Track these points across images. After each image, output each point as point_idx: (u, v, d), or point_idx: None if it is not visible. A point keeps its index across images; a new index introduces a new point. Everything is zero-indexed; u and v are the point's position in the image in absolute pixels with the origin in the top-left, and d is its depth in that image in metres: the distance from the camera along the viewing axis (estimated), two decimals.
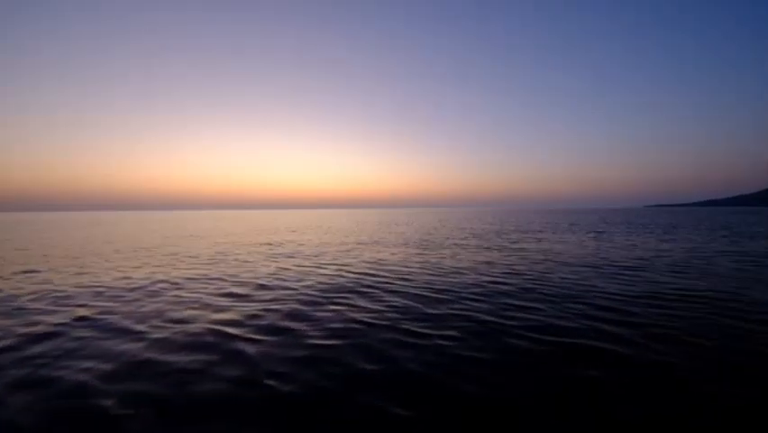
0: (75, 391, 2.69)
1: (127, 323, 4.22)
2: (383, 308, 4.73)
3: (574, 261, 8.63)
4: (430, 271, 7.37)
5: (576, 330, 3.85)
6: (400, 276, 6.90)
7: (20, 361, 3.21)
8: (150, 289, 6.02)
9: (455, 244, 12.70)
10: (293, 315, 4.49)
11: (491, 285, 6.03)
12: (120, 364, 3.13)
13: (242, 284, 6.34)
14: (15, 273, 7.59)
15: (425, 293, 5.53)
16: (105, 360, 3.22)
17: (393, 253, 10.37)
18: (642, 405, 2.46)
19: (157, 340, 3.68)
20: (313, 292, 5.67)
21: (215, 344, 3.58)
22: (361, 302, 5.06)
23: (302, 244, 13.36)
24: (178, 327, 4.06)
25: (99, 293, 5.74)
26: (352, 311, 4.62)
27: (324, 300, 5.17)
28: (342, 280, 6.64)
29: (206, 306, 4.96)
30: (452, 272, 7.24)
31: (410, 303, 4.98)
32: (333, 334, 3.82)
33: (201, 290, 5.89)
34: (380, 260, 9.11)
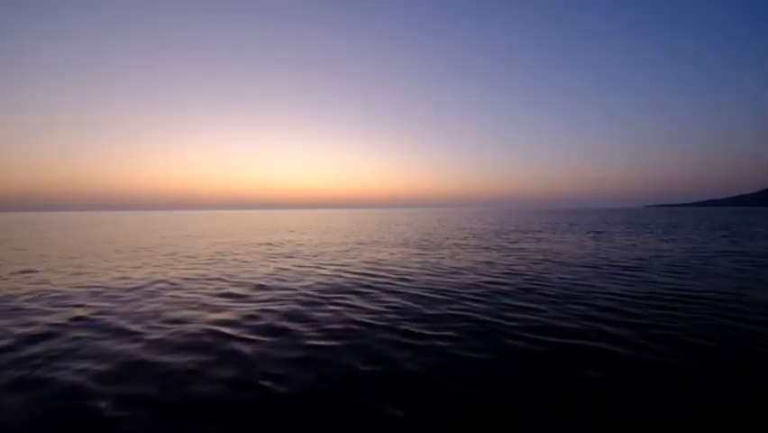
0: (70, 392, 2.67)
1: (124, 323, 4.20)
2: (382, 309, 4.70)
3: (574, 261, 8.61)
4: (429, 272, 7.35)
5: (575, 331, 3.82)
6: (399, 276, 6.88)
7: (15, 362, 3.18)
8: (148, 289, 6.00)
9: (455, 244, 12.68)
10: (291, 315, 4.47)
11: (490, 285, 6.01)
12: (116, 365, 3.11)
13: (240, 284, 6.32)
14: (13, 273, 7.57)
15: (424, 293, 5.51)
16: (101, 361, 3.19)
17: (392, 254, 10.35)
18: (641, 406, 2.44)
19: (154, 341, 3.66)
20: (311, 292, 5.64)
21: (212, 344, 3.55)
22: (360, 302, 5.03)
23: (301, 244, 13.33)
24: (176, 328, 4.03)
25: (97, 293, 5.71)
26: (351, 312, 4.60)
27: (323, 301, 5.15)
28: (340, 280, 6.62)
29: (204, 306, 4.94)
30: (452, 273, 7.22)
31: (409, 303, 4.96)
32: (331, 334, 3.80)
33: (199, 291, 5.87)
34: (380, 260, 9.09)
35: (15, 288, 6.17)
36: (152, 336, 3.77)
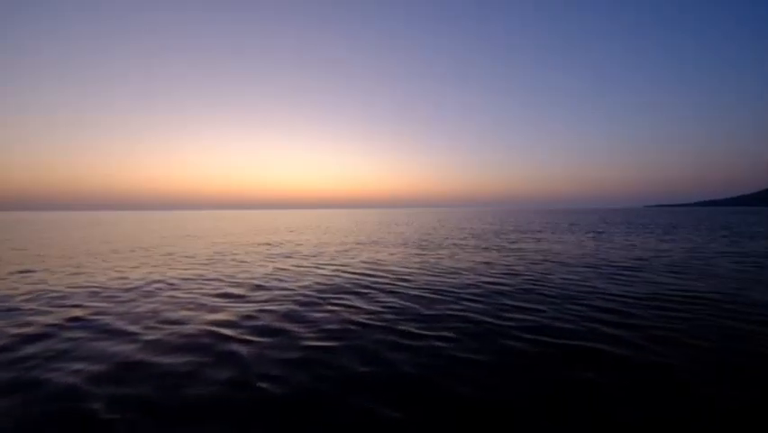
0: (64, 393, 2.65)
1: (121, 324, 4.18)
2: (380, 309, 4.68)
3: (573, 261, 8.59)
4: (428, 272, 7.33)
5: (574, 331, 3.81)
6: (398, 276, 6.86)
7: (10, 363, 3.16)
8: (145, 289, 5.98)
9: (454, 245, 12.66)
10: (289, 316, 4.45)
11: (489, 286, 5.99)
12: (112, 366, 3.09)
13: (238, 285, 6.30)
14: (11, 273, 7.55)
15: (422, 294, 5.49)
16: (96, 362, 3.17)
17: (392, 254, 10.33)
18: (640, 407, 2.42)
19: (150, 341, 3.64)
20: (310, 293, 5.63)
21: (209, 345, 3.53)
22: (358, 303, 5.01)
23: (300, 244, 13.32)
24: (172, 328, 4.02)
25: (94, 293, 5.69)
26: (349, 312, 4.58)
27: (321, 301, 5.13)
28: (339, 280, 6.60)
29: (201, 306, 4.92)
30: (451, 273, 7.20)
31: (408, 304, 4.94)
32: (329, 335, 3.78)
33: (197, 291, 5.85)
34: (379, 260, 9.07)
35: (13, 288, 6.15)
36: (149, 337, 3.75)
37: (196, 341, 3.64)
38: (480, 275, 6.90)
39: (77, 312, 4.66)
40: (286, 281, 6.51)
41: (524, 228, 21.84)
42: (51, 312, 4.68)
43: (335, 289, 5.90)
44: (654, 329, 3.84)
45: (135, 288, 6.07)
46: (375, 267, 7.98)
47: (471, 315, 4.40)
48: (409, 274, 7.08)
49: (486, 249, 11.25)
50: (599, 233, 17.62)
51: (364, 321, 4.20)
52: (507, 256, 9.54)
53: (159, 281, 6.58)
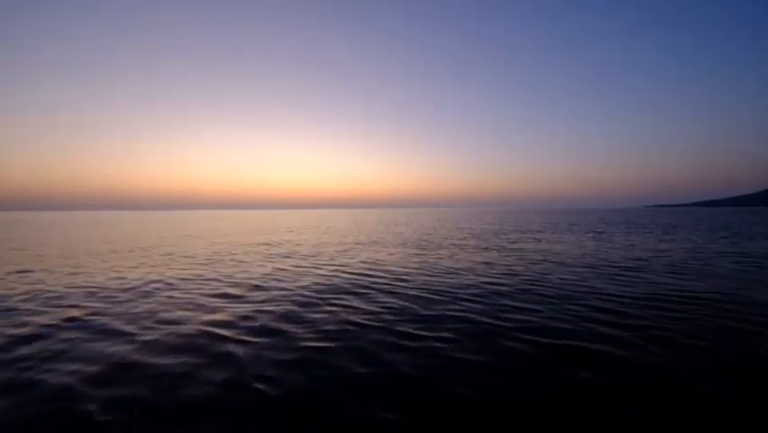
0: (60, 394, 2.63)
1: (118, 324, 4.16)
2: (379, 310, 4.67)
3: (573, 261, 8.57)
4: (427, 272, 7.31)
5: (573, 332, 3.79)
6: (397, 277, 6.85)
7: (5, 363, 3.14)
8: (143, 289, 5.96)
9: (454, 245, 12.64)
10: (287, 316, 4.43)
11: (488, 286, 5.97)
12: (108, 367, 3.07)
13: (236, 285, 6.28)
14: (9, 273, 7.53)
15: (421, 294, 5.48)
16: (92, 362, 3.16)
17: (391, 254, 10.31)
18: (638, 407, 2.40)
19: (147, 342, 3.62)
20: (308, 293, 5.61)
21: (206, 346, 3.51)
22: (357, 303, 5.00)
23: (299, 244, 13.30)
24: (170, 329, 4.00)
25: (92, 294, 5.68)
26: (347, 313, 4.56)
27: (320, 301, 5.11)
28: (338, 280, 6.58)
29: (199, 307, 4.90)
30: (450, 273, 7.18)
31: (406, 304, 4.92)
32: (327, 336, 3.76)
33: (195, 291, 5.83)
34: (378, 260, 9.05)
35: (10, 288, 6.13)
36: (146, 338, 3.73)
37: (193, 341, 3.62)
38: (480, 275, 6.88)
39: (75, 312, 4.64)
40: (284, 282, 6.49)
41: (524, 228, 21.83)
42: (48, 312, 4.66)
43: (334, 289, 5.88)
44: (653, 329, 3.82)
45: (133, 288, 6.05)
46: (374, 267, 7.96)
47: (470, 315, 4.38)
48: (408, 274, 7.06)
49: (485, 249, 11.24)
50: (599, 233, 17.61)
51: (362, 322, 4.18)
52: (507, 256, 9.52)
53: (157, 282, 6.56)
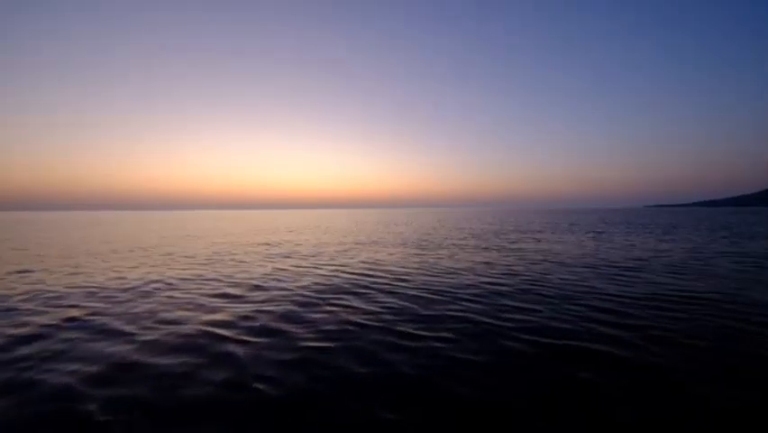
0: (60, 394, 2.63)
1: (118, 324, 4.16)
2: (379, 310, 4.67)
3: (573, 261, 8.57)
4: (427, 272, 7.31)
5: (573, 332, 3.79)
6: (397, 277, 6.85)
7: (5, 363, 3.14)
8: (143, 289, 5.96)
9: (454, 245, 12.64)
10: (286, 316, 4.43)
11: (488, 286, 5.97)
12: (108, 367, 3.07)
13: (236, 285, 6.28)
14: (9, 273, 7.53)
15: (421, 294, 5.48)
16: (92, 362, 3.16)
17: (391, 254, 10.31)
18: (637, 407, 2.40)
19: (147, 342, 3.62)
20: (308, 293, 5.61)
21: (206, 346, 3.51)
22: (357, 303, 5.00)
23: (299, 244, 13.30)
24: (169, 329, 4.00)
25: (92, 294, 5.68)
26: (347, 312, 4.56)
27: (319, 301, 5.11)
28: (338, 280, 6.58)
29: (199, 307, 4.90)
30: (450, 273, 7.18)
31: (406, 304, 4.92)
32: (327, 336, 3.76)
33: (195, 291, 5.83)
34: (378, 260, 9.05)
35: (10, 288, 6.13)
36: (146, 337, 3.73)
37: (193, 341, 3.62)
38: (480, 275, 6.88)
39: (74, 312, 4.64)
40: (284, 282, 6.49)
41: (524, 228, 21.83)
42: (48, 312, 4.66)
43: (334, 289, 5.88)
44: (653, 329, 3.82)
45: (133, 288, 6.05)
46: (374, 267, 7.96)
47: (470, 315, 4.38)
48: (408, 274, 7.06)
49: (485, 249, 11.24)
50: (599, 233, 17.61)
51: (362, 322, 4.18)
52: (507, 256, 9.52)
53: (157, 282, 6.56)
